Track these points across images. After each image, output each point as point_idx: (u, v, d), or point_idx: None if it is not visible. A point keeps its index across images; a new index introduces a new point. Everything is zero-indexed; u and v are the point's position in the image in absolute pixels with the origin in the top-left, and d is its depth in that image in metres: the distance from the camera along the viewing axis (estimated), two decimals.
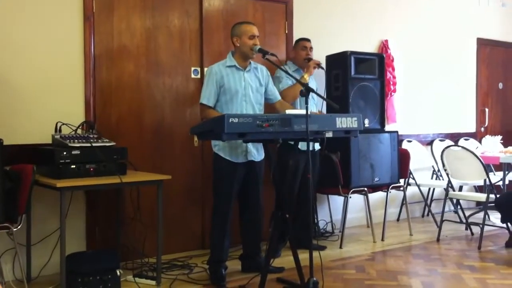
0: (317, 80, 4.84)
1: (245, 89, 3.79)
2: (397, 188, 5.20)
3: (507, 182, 5.45)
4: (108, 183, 3.46)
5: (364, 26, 5.77)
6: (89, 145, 3.50)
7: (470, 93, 6.91)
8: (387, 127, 5.42)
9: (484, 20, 7.00)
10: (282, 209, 3.35)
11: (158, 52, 4.40)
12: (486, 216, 4.85)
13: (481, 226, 4.77)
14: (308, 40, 4.75)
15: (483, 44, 7.01)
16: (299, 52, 4.68)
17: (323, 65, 4.76)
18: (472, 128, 6.93)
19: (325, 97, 4.47)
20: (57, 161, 3.40)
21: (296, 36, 5.02)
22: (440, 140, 6.37)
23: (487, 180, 4.67)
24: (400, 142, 5.59)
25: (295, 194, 4.44)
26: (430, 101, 6.37)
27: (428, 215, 6.17)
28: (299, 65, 4.68)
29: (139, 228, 4.02)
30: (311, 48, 4.72)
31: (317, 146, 4.57)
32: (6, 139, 3.34)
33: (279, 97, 4.06)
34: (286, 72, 3.92)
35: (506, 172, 5.40)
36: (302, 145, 4.15)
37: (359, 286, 3.67)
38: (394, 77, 5.84)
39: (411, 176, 5.66)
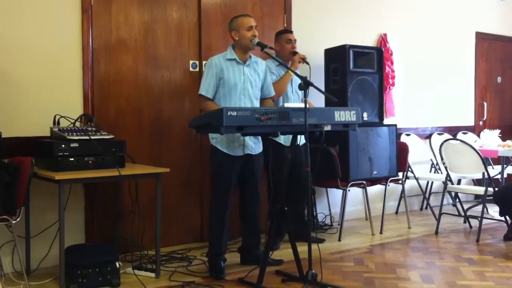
0: (315, 73, 4.78)
1: (244, 83, 3.77)
2: (396, 181, 5.20)
3: (505, 175, 5.47)
4: (106, 175, 3.46)
5: (363, 20, 5.76)
6: (87, 138, 3.50)
7: (468, 87, 6.92)
8: (386, 121, 5.43)
9: (483, 14, 7.00)
10: (279, 202, 3.36)
11: (156, 45, 4.39)
12: (485, 209, 4.85)
13: (479, 219, 4.77)
14: (291, 32, 4.59)
15: (482, 38, 7.00)
16: (284, 45, 4.46)
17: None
18: (470, 122, 6.94)
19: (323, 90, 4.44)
20: (55, 153, 3.39)
21: (295, 29, 5.00)
22: (439, 134, 6.38)
23: (486, 173, 4.68)
24: (398, 135, 5.60)
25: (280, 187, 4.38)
26: (429, 95, 6.37)
27: (426, 208, 6.18)
28: (284, 59, 4.36)
29: (138, 221, 4.02)
30: (295, 40, 4.51)
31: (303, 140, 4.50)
32: (4, 131, 3.34)
33: (271, 95, 3.99)
34: (285, 65, 3.91)
35: (505, 166, 5.41)
36: (285, 141, 4.14)
37: (357, 278, 3.67)
38: (392, 71, 5.84)
39: (409, 169, 5.67)
